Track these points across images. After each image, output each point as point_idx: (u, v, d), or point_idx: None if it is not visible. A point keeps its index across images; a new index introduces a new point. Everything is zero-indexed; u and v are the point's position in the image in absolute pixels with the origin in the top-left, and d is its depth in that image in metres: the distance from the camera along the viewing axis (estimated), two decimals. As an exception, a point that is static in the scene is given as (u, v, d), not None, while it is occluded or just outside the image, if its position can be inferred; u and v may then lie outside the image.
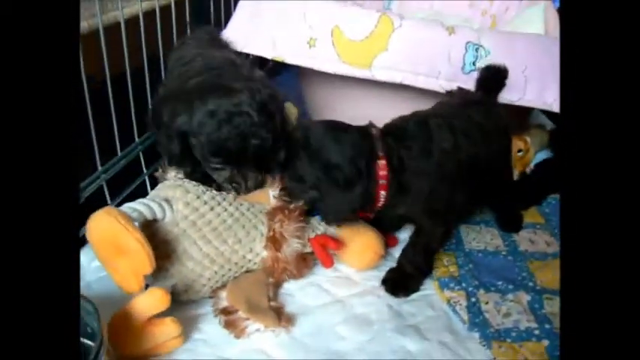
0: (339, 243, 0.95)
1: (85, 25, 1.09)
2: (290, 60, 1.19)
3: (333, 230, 0.98)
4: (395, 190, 0.87)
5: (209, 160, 0.87)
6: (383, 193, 0.87)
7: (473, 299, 0.93)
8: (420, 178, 0.88)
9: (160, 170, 0.98)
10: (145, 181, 1.17)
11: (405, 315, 0.91)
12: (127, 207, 0.83)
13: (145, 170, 1.17)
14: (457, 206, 0.94)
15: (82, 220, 0.94)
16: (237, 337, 0.84)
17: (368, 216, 0.97)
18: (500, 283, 0.97)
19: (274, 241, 0.90)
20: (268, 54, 1.24)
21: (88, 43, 0.94)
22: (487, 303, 0.92)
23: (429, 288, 0.97)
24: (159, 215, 0.85)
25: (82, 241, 1.00)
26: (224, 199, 0.92)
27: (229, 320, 0.85)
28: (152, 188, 1.16)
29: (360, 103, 1.24)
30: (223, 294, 0.88)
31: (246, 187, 0.91)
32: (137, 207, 0.83)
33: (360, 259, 0.98)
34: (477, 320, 0.89)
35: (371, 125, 0.89)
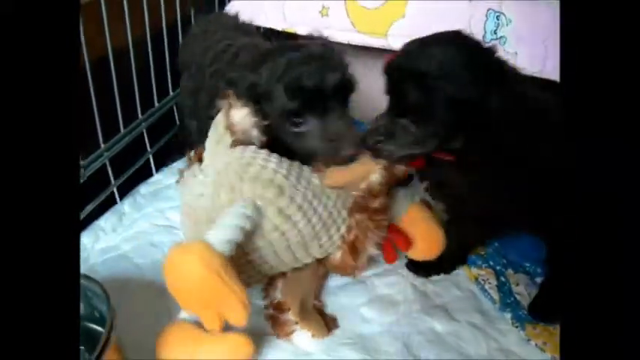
0: (408, 243, 0.82)
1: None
2: (302, 31, 1.13)
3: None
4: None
5: (287, 110, 0.74)
6: None
7: (502, 279, 0.88)
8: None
9: (187, 161, 0.88)
10: (149, 159, 1.11)
11: (430, 295, 0.86)
12: (220, 240, 0.66)
13: (149, 148, 1.11)
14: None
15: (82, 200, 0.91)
16: (280, 337, 0.76)
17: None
18: (528, 264, 0.92)
19: (353, 250, 0.77)
20: (279, 25, 1.18)
21: (88, 14, 0.88)
22: (518, 285, 0.87)
23: (454, 267, 0.92)
24: (249, 233, 0.71)
25: (84, 223, 0.97)
26: (314, 196, 0.74)
27: (277, 319, 0.77)
28: (157, 167, 1.12)
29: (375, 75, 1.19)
30: (279, 283, 0.79)
31: (343, 145, 0.74)
32: (232, 236, 0.67)
33: (422, 254, 0.85)
34: (508, 301, 0.84)
35: None
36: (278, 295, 0.78)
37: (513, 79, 0.71)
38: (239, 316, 0.65)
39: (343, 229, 0.77)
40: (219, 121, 0.77)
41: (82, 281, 0.70)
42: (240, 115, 0.75)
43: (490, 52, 0.72)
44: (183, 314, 0.70)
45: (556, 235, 0.81)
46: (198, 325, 0.69)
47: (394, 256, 0.84)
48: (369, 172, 0.76)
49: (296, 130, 0.76)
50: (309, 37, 0.82)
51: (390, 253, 0.84)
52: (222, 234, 0.67)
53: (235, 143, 0.75)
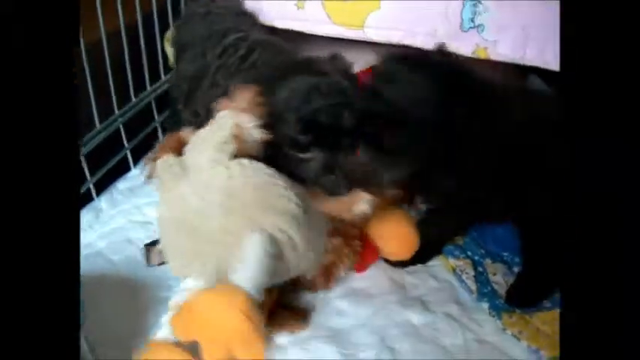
0: (376, 254, 0.83)
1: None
2: (279, 24, 1.12)
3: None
4: None
5: (298, 143, 0.70)
6: None
7: (480, 269, 0.88)
8: None
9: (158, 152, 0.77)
10: (126, 155, 1.10)
11: (407, 287, 0.86)
12: (255, 286, 0.59)
13: (126, 144, 1.10)
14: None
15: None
16: None
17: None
18: (506, 254, 0.92)
19: (327, 273, 0.77)
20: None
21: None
22: (495, 274, 0.87)
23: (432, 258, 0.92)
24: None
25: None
26: (312, 226, 0.68)
27: None
28: (135, 163, 1.11)
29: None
30: None
31: (345, 180, 0.70)
32: (262, 280, 0.60)
33: (397, 255, 0.84)
34: (485, 290, 0.84)
35: None
36: None
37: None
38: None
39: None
40: (223, 124, 0.68)
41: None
42: (250, 123, 0.68)
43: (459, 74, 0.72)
44: (161, 333, 0.63)
45: (530, 223, 0.82)
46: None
47: (364, 267, 0.86)
48: (358, 201, 0.72)
49: (300, 155, 0.71)
50: (333, 57, 0.77)
51: (360, 263, 0.84)
52: (253, 278, 0.60)
53: (238, 154, 0.67)
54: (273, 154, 0.70)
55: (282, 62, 0.80)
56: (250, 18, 1.02)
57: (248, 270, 0.60)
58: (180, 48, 1.01)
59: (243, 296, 0.57)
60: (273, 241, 0.62)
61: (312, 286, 0.80)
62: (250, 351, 0.56)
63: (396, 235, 0.80)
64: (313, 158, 0.70)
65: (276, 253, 0.62)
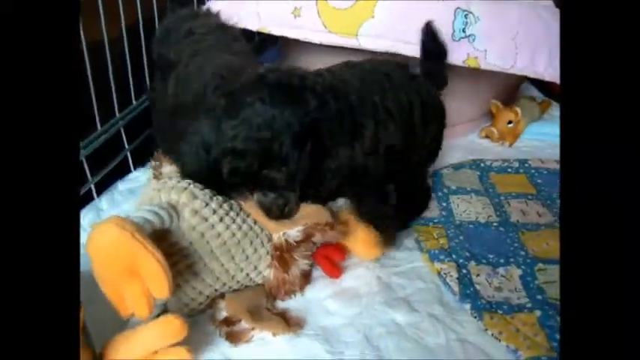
0: (343, 252, 0.91)
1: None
2: (275, 31, 1.16)
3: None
4: None
5: (225, 178, 0.78)
6: None
7: (464, 271, 0.91)
8: None
9: (154, 162, 0.88)
10: (127, 156, 1.14)
11: (394, 287, 0.89)
12: (136, 217, 0.70)
13: (126, 146, 1.13)
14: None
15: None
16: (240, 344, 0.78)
17: None
18: (491, 256, 0.95)
19: (282, 262, 0.82)
20: (254, 26, 1.20)
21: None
22: (478, 275, 0.91)
23: (419, 260, 0.95)
24: (167, 224, 0.75)
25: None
26: (231, 208, 0.82)
27: (232, 332, 0.78)
28: (135, 165, 1.14)
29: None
30: (222, 304, 0.81)
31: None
32: (148, 216, 0.71)
33: (366, 254, 0.92)
34: (467, 292, 0.87)
35: None
36: (223, 313, 0.80)
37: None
38: (160, 282, 0.65)
39: (268, 246, 0.83)
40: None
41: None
42: (168, 169, 0.86)
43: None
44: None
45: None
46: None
47: (337, 270, 0.90)
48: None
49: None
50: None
51: (332, 268, 0.89)
52: (135, 214, 0.72)
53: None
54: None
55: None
56: (230, 32, 1.06)
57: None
58: (164, 63, 1.01)
59: (118, 216, 0.67)
60: (167, 208, 0.75)
61: (278, 288, 0.84)
62: (135, 263, 0.64)
63: (361, 238, 0.89)
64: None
65: (167, 216, 0.74)
